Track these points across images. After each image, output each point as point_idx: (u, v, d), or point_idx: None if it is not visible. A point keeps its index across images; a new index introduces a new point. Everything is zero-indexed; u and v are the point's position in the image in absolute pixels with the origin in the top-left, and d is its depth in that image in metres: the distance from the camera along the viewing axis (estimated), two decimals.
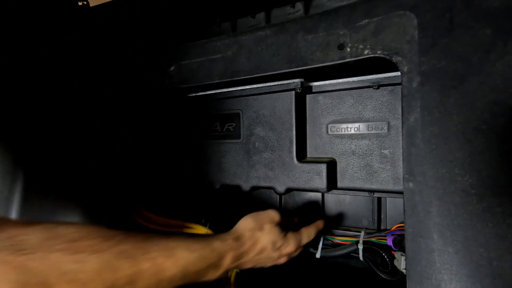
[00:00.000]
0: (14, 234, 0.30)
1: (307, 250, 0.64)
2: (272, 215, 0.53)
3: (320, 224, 0.60)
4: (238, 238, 0.48)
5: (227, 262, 0.44)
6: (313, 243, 0.64)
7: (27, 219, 0.34)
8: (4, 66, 0.57)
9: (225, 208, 0.79)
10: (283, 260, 0.53)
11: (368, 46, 0.46)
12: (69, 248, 0.31)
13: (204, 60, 0.61)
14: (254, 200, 0.77)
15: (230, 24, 0.64)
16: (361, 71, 0.55)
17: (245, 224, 0.51)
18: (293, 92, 0.58)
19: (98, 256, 0.32)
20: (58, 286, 0.29)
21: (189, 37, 0.65)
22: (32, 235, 0.31)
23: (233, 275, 0.67)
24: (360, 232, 0.61)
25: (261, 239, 0.49)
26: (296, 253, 0.55)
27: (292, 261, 0.56)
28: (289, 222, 0.61)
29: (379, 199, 0.65)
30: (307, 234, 0.56)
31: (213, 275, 0.43)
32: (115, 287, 0.33)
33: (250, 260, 0.48)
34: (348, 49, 0.47)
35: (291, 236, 0.53)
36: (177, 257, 0.39)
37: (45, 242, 0.30)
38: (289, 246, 0.52)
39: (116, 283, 0.33)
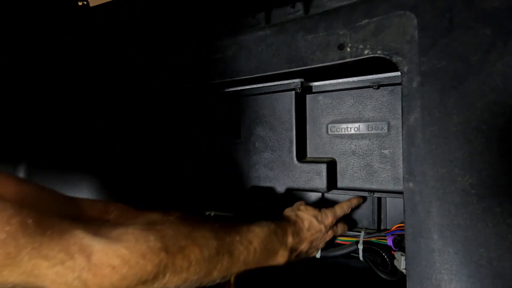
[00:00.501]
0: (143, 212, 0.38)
1: None
2: (300, 201, 0.60)
3: (354, 200, 0.61)
4: (287, 219, 0.53)
5: (290, 238, 0.50)
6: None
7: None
8: (4, 66, 0.57)
9: (225, 208, 0.79)
10: (330, 234, 0.57)
11: (368, 46, 0.46)
12: (192, 231, 0.38)
13: (204, 60, 0.61)
14: (254, 200, 0.77)
15: (230, 24, 0.64)
16: (361, 71, 0.55)
17: (284, 212, 0.57)
18: (293, 92, 0.58)
19: (216, 243, 0.39)
20: (176, 256, 0.34)
21: (189, 37, 0.65)
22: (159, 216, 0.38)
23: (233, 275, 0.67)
24: (360, 232, 0.61)
25: (304, 216, 0.54)
26: (339, 230, 0.59)
27: (292, 261, 0.56)
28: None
29: (379, 199, 0.64)
30: (340, 207, 0.59)
31: (282, 254, 0.48)
32: (223, 273, 0.40)
33: (306, 238, 0.53)
34: (348, 49, 0.47)
35: (325, 210, 0.57)
36: (255, 231, 0.45)
37: (170, 222, 0.37)
38: (328, 217, 0.56)
39: (225, 270, 0.40)
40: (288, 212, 0.56)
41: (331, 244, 0.61)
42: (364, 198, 0.63)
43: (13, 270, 0.27)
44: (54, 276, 0.28)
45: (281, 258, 0.48)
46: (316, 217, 0.55)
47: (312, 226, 0.54)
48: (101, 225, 0.33)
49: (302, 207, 0.57)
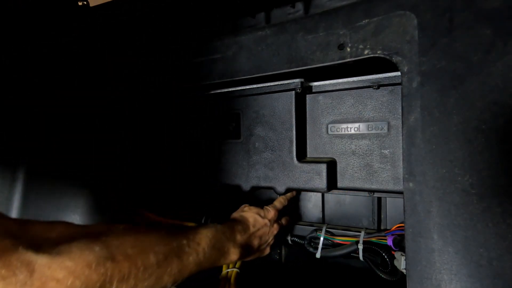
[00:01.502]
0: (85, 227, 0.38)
1: (307, 250, 0.64)
2: (244, 204, 0.64)
3: (288, 194, 0.66)
4: (232, 219, 0.57)
5: (238, 236, 0.53)
6: (313, 243, 0.64)
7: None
8: (4, 66, 0.57)
9: (225, 208, 0.79)
10: (276, 227, 0.61)
11: (368, 46, 0.46)
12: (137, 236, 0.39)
13: (204, 60, 0.61)
14: (254, 200, 0.77)
15: (230, 24, 0.64)
16: (361, 71, 0.55)
17: (230, 216, 0.60)
18: (293, 92, 0.58)
19: (167, 248, 0.40)
20: (123, 263, 0.35)
21: (189, 37, 0.65)
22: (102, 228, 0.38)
23: (233, 275, 0.67)
24: (360, 232, 0.61)
25: (248, 214, 0.59)
26: (283, 222, 0.64)
27: (292, 261, 0.56)
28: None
29: (379, 199, 0.65)
30: (278, 201, 0.65)
31: (234, 252, 0.50)
32: (174, 278, 0.40)
33: (254, 233, 0.57)
34: (348, 49, 0.47)
35: (266, 207, 0.62)
36: (202, 233, 0.46)
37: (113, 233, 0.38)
38: (270, 212, 0.61)
39: (174, 275, 0.40)
40: (233, 214, 0.61)
41: (279, 238, 0.65)
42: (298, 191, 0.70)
43: None
44: None
45: (233, 255, 0.51)
46: (259, 214, 0.59)
47: (257, 222, 0.58)
48: (44, 241, 0.33)
49: (246, 208, 0.61)
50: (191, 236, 0.45)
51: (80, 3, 0.67)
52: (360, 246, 0.58)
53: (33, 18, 0.61)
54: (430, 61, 0.41)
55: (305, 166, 0.58)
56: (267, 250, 0.61)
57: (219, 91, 0.67)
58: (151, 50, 0.69)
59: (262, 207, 0.62)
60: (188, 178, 0.73)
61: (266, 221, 0.59)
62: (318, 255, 0.62)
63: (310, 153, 0.62)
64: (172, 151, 0.76)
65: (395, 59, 0.44)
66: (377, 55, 0.45)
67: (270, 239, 0.60)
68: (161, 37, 0.69)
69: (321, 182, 0.56)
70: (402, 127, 0.43)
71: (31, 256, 0.30)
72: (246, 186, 0.64)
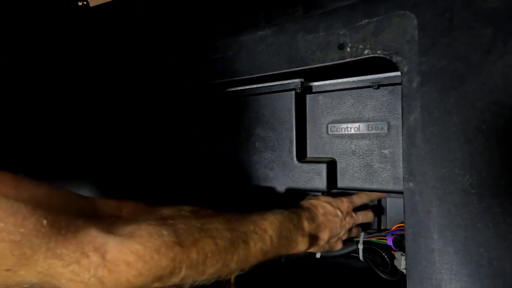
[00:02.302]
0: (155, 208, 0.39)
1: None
2: (310, 195, 0.60)
3: (373, 195, 0.59)
4: (300, 206, 0.53)
5: (305, 224, 0.49)
6: (351, 241, 0.63)
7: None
8: (4, 66, 0.57)
9: (225, 208, 0.79)
10: (348, 220, 0.55)
11: (368, 46, 0.46)
12: (205, 222, 0.38)
13: (204, 60, 0.61)
14: (254, 200, 0.77)
15: (230, 24, 0.64)
16: (361, 71, 0.55)
17: (299, 202, 0.56)
18: (293, 92, 0.58)
19: (229, 234, 0.38)
20: (191, 248, 0.34)
21: (189, 37, 0.65)
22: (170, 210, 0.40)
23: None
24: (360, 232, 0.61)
25: (317, 202, 0.54)
26: (360, 218, 0.58)
27: (292, 261, 0.56)
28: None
29: (379, 199, 0.64)
30: (358, 195, 0.59)
31: (302, 241, 0.48)
32: (241, 265, 0.40)
33: (323, 223, 0.52)
34: (348, 49, 0.47)
35: (340, 197, 0.57)
36: (269, 219, 0.44)
37: (181, 215, 0.39)
38: (344, 202, 0.56)
39: (243, 262, 0.40)
40: (301, 202, 0.56)
41: (353, 234, 0.60)
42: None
43: (29, 270, 0.27)
44: (70, 274, 0.28)
45: (302, 245, 0.48)
46: (329, 203, 0.54)
47: (327, 211, 0.53)
48: (114, 222, 0.33)
49: (314, 197, 0.57)
50: (258, 222, 0.43)
51: (80, 3, 0.67)
52: (360, 246, 0.58)
53: (33, 18, 0.61)
54: (430, 61, 0.41)
55: (305, 166, 0.58)
56: (339, 245, 0.57)
57: (219, 91, 0.67)
58: (151, 50, 0.69)
59: (335, 197, 0.57)
60: (188, 178, 0.73)
61: (338, 211, 0.54)
62: (318, 255, 0.62)
63: (310, 153, 0.62)
64: (172, 151, 0.76)
65: (395, 59, 0.44)
66: (377, 55, 0.45)
67: (342, 233, 0.55)
68: (161, 37, 0.69)
69: (321, 182, 0.56)
70: (402, 127, 0.43)
71: (102, 238, 0.30)
72: (246, 186, 0.64)
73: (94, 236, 0.30)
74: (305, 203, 0.55)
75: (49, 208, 0.29)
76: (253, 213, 0.45)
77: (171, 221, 0.35)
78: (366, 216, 0.59)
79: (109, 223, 0.32)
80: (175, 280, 0.33)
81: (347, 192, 0.61)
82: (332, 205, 0.54)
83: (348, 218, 0.56)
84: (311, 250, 0.52)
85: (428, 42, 0.41)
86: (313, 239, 0.50)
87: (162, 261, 0.32)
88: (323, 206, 0.54)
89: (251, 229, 0.41)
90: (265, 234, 0.42)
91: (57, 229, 0.28)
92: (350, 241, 0.61)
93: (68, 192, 0.35)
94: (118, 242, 0.30)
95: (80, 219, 0.31)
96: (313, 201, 0.55)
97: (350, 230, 0.57)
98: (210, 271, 0.36)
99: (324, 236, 0.52)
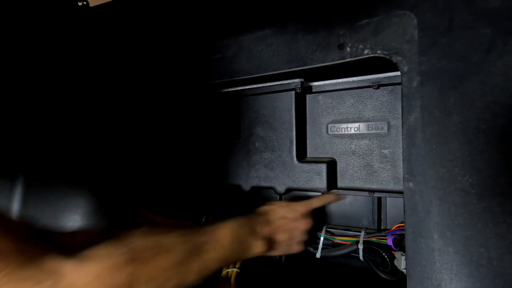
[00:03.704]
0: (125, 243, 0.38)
1: (307, 250, 0.64)
2: (271, 201, 0.61)
3: (331, 196, 0.60)
4: (256, 213, 0.56)
5: (260, 228, 0.52)
6: (313, 243, 0.64)
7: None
8: (4, 66, 0.57)
9: (225, 208, 0.79)
10: (305, 223, 0.57)
11: (368, 46, 0.46)
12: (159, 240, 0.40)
13: (204, 60, 0.61)
14: (254, 200, 0.77)
15: (230, 24, 0.64)
16: (361, 71, 0.55)
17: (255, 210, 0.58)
18: (293, 92, 0.58)
19: (182, 248, 0.41)
20: (146, 262, 0.36)
21: (189, 37, 0.65)
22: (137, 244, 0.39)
23: (233, 275, 0.67)
24: (360, 232, 0.61)
25: (273, 207, 0.57)
26: (309, 222, 0.58)
27: (292, 261, 0.56)
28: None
29: (379, 199, 0.64)
30: (316, 198, 0.60)
31: (257, 245, 0.50)
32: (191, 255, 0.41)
33: (280, 226, 0.55)
34: (348, 49, 0.47)
35: (298, 202, 0.59)
36: (221, 229, 0.47)
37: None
38: (300, 206, 0.57)
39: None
40: (258, 208, 0.58)
41: (311, 235, 0.61)
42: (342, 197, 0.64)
43: None
44: None
45: (257, 248, 0.51)
46: (286, 207, 0.57)
47: (279, 215, 0.56)
48: (72, 247, 0.34)
49: (273, 203, 0.59)
50: (209, 233, 0.46)
51: (80, 3, 0.67)
52: (360, 246, 0.58)
53: (33, 18, 0.61)
54: (430, 61, 0.41)
55: (305, 166, 0.58)
56: (298, 247, 0.58)
57: (219, 91, 0.67)
58: (151, 50, 0.69)
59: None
60: (188, 178, 0.73)
61: (294, 214, 0.56)
62: (318, 255, 0.62)
63: (310, 153, 0.62)
64: (172, 151, 0.76)
65: (395, 59, 0.44)
66: (377, 55, 0.45)
67: (299, 235, 0.57)
68: (161, 37, 0.69)
69: (321, 182, 0.56)
70: (402, 127, 0.43)
71: (60, 261, 0.32)
72: (246, 186, 0.64)
73: (53, 260, 0.31)
74: (262, 209, 0.57)
75: (10, 234, 0.31)
76: (206, 225, 0.49)
77: (126, 241, 0.37)
78: (314, 222, 0.60)
79: (66, 248, 0.34)
80: None
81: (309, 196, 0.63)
82: (288, 209, 0.56)
83: (305, 221, 0.57)
84: (272, 252, 0.55)
85: (428, 42, 0.41)
86: (270, 242, 0.53)
87: (118, 278, 0.34)
88: (279, 211, 0.56)
89: (203, 241, 0.44)
90: (217, 244, 0.45)
91: (17, 254, 0.30)
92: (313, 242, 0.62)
93: (28, 222, 0.37)
94: (75, 264, 0.32)
95: (39, 244, 0.32)
96: (270, 207, 0.57)
97: (309, 231, 0.59)
98: (170, 284, 0.39)
99: (281, 238, 0.55)
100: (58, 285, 0.31)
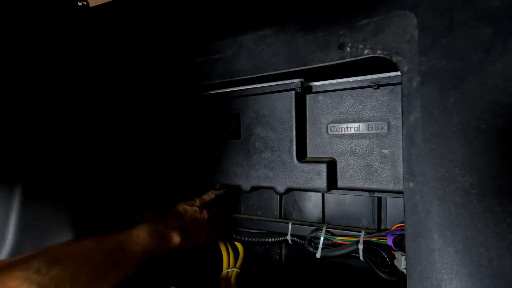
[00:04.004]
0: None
1: (307, 250, 0.64)
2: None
3: (212, 193, 0.73)
4: (170, 212, 0.65)
5: (173, 222, 0.60)
6: (313, 243, 0.64)
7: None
8: (4, 66, 0.57)
9: (225, 208, 0.79)
10: (205, 213, 0.68)
11: (368, 46, 0.46)
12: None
13: (204, 60, 0.61)
14: (254, 200, 0.77)
15: (230, 24, 0.64)
16: (361, 71, 0.55)
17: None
18: (293, 92, 0.58)
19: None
20: None
21: (189, 37, 0.65)
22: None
23: (233, 275, 0.67)
24: (360, 232, 0.61)
25: (178, 206, 0.67)
26: (213, 210, 0.72)
27: (292, 261, 0.56)
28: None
29: (379, 199, 0.65)
30: (206, 194, 0.73)
31: (173, 236, 0.57)
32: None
33: (187, 219, 0.64)
34: (348, 49, 0.47)
35: (195, 199, 0.70)
36: (136, 230, 0.53)
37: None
38: (196, 201, 0.69)
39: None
40: (172, 208, 0.67)
41: (212, 224, 0.70)
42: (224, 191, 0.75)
43: None
44: None
45: (175, 238, 0.57)
46: (186, 203, 0.68)
47: (186, 209, 0.66)
48: None
49: (179, 204, 0.68)
50: (127, 233, 0.51)
51: (80, 3, 0.67)
52: (360, 246, 0.58)
53: (33, 18, 0.61)
54: (430, 61, 0.41)
55: (305, 166, 0.58)
56: (204, 235, 0.67)
57: (219, 91, 0.67)
58: (151, 50, 0.69)
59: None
60: (188, 178, 0.73)
61: (194, 208, 0.67)
62: (318, 255, 0.62)
63: (310, 153, 0.62)
64: (172, 151, 0.76)
65: (395, 59, 0.44)
66: (377, 55, 0.45)
67: (204, 224, 0.67)
68: (161, 37, 0.69)
69: (321, 182, 0.56)
70: (402, 127, 0.43)
71: None
72: (246, 186, 0.64)
73: None
74: (173, 208, 0.67)
75: None
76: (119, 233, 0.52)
77: (46, 250, 0.42)
78: (215, 210, 0.73)
79: None
80: None
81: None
82: (188, 205, 0.67)
83: (204, 212, 0.68)
84: (187, 243, 0.61)
85: (428, 42, 0.41)
86: (184, 231, 0.60)
87: (44, 279, 0.38)
88: (183, 207, 0.66)
89: (121, 239, 0.49)
90: (135, 240, 0.51)
91: None
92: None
93: None
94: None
95: None
96: (176, 206, 0.67)
97: (210, 220, 0.69)
98: (95, 282, 0.43)
99: (191, 228, 0.63)
100: None
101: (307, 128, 0.62)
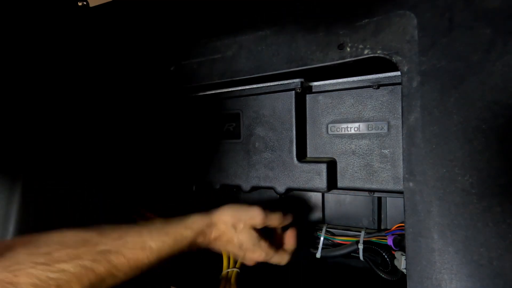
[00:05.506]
0: (5, 250, 0.37)
1: (307, 250, 0.64)
2: (254, 215, 0.53)
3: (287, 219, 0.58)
4: (210, 226, 0.52)
5: (195, 246, 0.51)
6: (313, 243, 0.64)
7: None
8: (4, 66, 0.57)
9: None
10: (248, 261, 0.55)
11: (368, 46, 0.46)
12: (49, 261, 0.37)
13: (204, 60, 0.61)
14: (254, 200, 0.77)
15: (230, 24, 0.64)
16: (361, 71, 0.55)
17: (223, 216, 0.53)
18: (293, 92, 0.58)
19: (75, 264, 0.38)
20: None
21: (189, 37, 0.65)
22: (19, 253, 0.37)
23: (233, 275, 0.67)
24: (360, 232, 0.61)
25: (231, 236, 0.52)
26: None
27: (293, 261, 0.56)
28: (277, 221, 0.57)
29: (379, 199, 0.65)
30: (280, 256, 0.55)
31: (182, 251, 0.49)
32: (93, 284, 0.39)
33: (218, 247, 0.54)
34: (348, 49, 0.47)
35: (263, 246, 0.53)
36: (151, 249, 0.45)
37: (28, 258, 0.36)
38: (256, 255, 0.53)
39: (94, 281, 0.39)
40: (223, 218, 0.54)
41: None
42: None
43: None
44: None
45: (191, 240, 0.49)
46: (241, 246, 0.53)
47: (229, 244, 0.54)
48: None
49: (242, 227, 0.54)
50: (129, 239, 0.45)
51: (80, 3, 0.67)
52: (360, 246, 0.58)
53: (33, 18, 0.61)
54: (430, 61, 0.41)
55: (305, 166, 0.58)
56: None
57: (219, 91, 0.67)
58: (151, 50, 0.69)
59: (265, 236, 0.56)
60: (188, 178, 0.73)
61: (243, 254, 0.55)
62: (318, 255, 0.62)
63: (310, 153, 0.62)
64: (172, 151, 0.75)
65: (395, 59, 0.44)
66: (377, 55, 0.45)
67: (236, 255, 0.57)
68: (161, 37, 0.69)
69: (321, 182, 0.56)
70: (402, 127, 0.43)
71: None
72: (246, 186, 0.64)
73: None
74: (221, 227, 0.53)
75: None
76: (134, 235, 0.46)
77: (14, 274, 0.36)
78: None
79: None
80: None
81: None
82: (241, 248, 0.54)
83: (249, 261, 0.56)
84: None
85: (428, 42, 0.41)
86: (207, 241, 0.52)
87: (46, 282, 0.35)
88: (231, 242, 0.53)
89: (121, 263, 0.42)
90: (136, 264, 0.44)
91: None
92: None
93: None
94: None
95: None
96: (229, 232, 0.53)
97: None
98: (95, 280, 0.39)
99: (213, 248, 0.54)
100: None
101: (307, 128, 0.62)
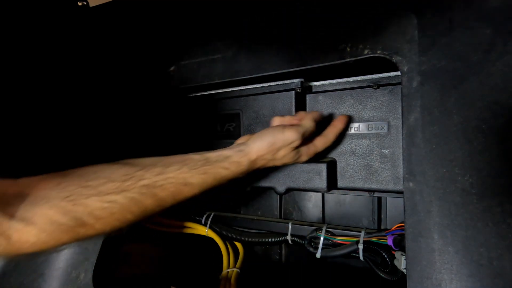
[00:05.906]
0: (59, 182, 0.38)
1: (307, 250, 0.64)
2: (290, 139, 0.50)
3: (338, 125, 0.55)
4: (249, 163, 0.51)
5: (237, 177, 0.50)
6: (313, 243, 0.64)
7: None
8: (4, 66, 0.57)
9: (225, 208, 0.79)
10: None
11: (368, 46, 0.46)
12: (100, 193, 0.39)
13: (204, 60, 0.61)
14: (254, 200, 0.77)
15: (231, 24, 0.64)
16: (361, 71, 0.55)
17: (261, 152, 0.50)
18: (293, 92, 0.58)
19: (124, 195, 0.40)
20: (94, 224, 0.38)
21: (189, 37, 0.65)
22: (72, 185, 0.38)
23: (233, 275, 0.67)
24: (360, 232, 0.61)
25: (273, 163, 0.52)
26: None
27: (293, 261, 0.56)
28: (312, 127, 0.52)
29: (379, 199, 0.64)
30: (323, 141, 0.55)
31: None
32: (143, 212, 0.42)
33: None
34: (348, 49, 0.47)
35: (305, 151, 0.53)
36: (193, 185, 0.47)
37: (81, 190, 0.38)
38: (302, 158, 0.54)
39: (144, 210, 0.42)
40: (260, 150, 0.51)
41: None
42: None
43: None
44: None
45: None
46: (285, 163, 0.54)
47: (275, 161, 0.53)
48: (18, 203, 0.36)
49: (282, 153, 0.52)
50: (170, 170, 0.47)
51: (80, 3, 0.67)
52: (360, 246, 0.58)
53: (33, 18, 0.61)
54: (430, 61, 0.41)
55: (305, 166, 0.58)
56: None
57: (219, 91, 0.67)
58: (151, 50, 0.69)
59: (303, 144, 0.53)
60: None
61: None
62: (318, 255, 0.62)
63: None
64: (172, 151, 0.75)
65: (395, 58, 0.44)
66: (377, 55, 0.45)
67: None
68: (161, 37, 0.69)
69: (321, 182, 0.56)
70: (402, 127, 0.43)
71: (7, 223, 0.34)
72: (246, 186, 0.64)
73: (1, 224, 0.34)
74: (259, 162, 0.52)
75: None
76: (176, 164, 0.48)
77: (73, 203, 0.37)
78: None
79: (12, 204, 0.35)
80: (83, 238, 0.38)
81: None
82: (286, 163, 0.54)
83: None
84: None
85: (428, 42, 0.41)
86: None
87: (62, 239, 0.37)
88: (275, 163, 0.53)
89: (165, 195, 0.45)
90: (180, 194, 0.46)
91: None
92: None
93: None
94: (20, 227, 0.34)
95: None
96: (269, 162, 0.52)
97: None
98: (128, 221, 0.41)
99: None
100: (8, 245, 0.34)
101: None
